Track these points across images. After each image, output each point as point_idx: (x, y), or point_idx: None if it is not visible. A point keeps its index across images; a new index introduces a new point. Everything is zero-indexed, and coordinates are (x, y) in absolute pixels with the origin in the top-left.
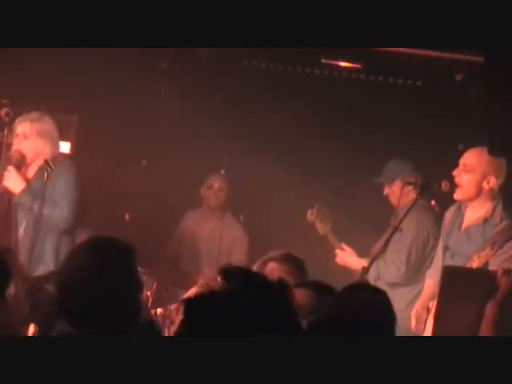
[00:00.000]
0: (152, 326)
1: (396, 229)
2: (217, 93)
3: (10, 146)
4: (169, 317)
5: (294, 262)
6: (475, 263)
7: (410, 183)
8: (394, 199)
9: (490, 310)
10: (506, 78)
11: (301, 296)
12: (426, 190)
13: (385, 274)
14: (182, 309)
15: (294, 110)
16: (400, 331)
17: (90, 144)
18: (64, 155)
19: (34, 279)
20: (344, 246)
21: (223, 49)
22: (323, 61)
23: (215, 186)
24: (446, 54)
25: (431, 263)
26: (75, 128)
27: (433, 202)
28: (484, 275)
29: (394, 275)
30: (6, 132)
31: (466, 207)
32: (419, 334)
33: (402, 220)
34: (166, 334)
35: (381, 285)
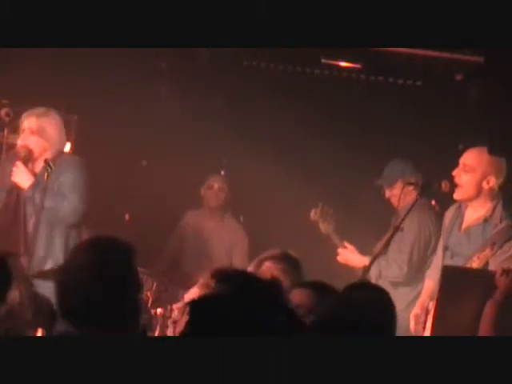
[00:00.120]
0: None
1: (397, 228)
2: (217, 93)
3: (10, 145)
4: (169, 317)
5: (289, 261)
6: (475, 264)
7: (410, 183)
8: (394, 200)
9: (489, 309)
10: (506, 78)
11: (301, 296)
12: (427, 189)
13: (387, 273)
14: (187, 310)
15: (294, 109)
16: (400, 331)
17: (90, 144)
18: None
19: (43, 273)
20: (346, 243)
21: (223, 49)
22: (323, 61)
23: (215, 187)
24: (446, 54)
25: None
26: (75, 128)
27: (433, 202)
28: (483, 275)
29: (396, 275)
30: (6, 132)
31: (466, 207)
32: (418, 334)
33: (403, 220)
34: (167, 334)
35: (383, 283)
